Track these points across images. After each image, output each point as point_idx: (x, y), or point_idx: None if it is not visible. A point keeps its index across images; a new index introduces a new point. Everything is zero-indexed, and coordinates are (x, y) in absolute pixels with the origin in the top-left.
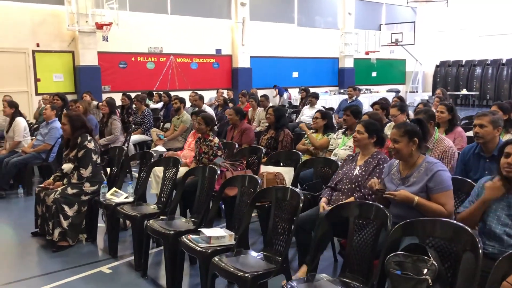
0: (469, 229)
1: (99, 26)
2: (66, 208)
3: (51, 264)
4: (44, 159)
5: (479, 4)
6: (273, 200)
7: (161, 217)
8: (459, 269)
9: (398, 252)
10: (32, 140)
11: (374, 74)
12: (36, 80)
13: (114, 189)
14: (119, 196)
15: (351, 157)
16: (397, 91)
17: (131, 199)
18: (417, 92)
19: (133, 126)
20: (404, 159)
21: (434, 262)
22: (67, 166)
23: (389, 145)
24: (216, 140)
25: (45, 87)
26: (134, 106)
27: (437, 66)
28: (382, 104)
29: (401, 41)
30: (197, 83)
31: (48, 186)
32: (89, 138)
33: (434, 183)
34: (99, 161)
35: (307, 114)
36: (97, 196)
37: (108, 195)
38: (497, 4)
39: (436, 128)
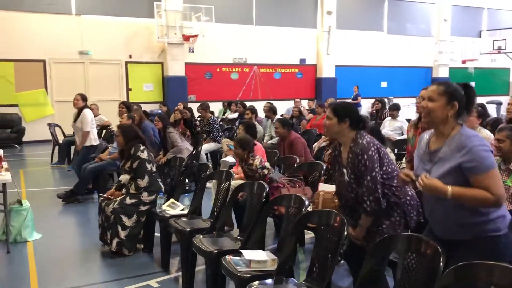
0: None
1: (186, 38)
2: (125, 218)
3: (105, 274)
4: (118, 166)
5: None
6: (317, 225)
7: (214, 233)
8: None
9: None
10: (109, 147)
11: (471, 84)
12: (128, 89)
13: (171, 200)
14: (176, 208)
15: (336, 151)
16: (499, 103)
17: (186, 211)
18: None
19: (204, 136)
20: (434, 125)
21: None
22: (123, 178)
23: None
24: (257, 161)
25: (135, 96)
26: (198, 116)
27: None
28: None
29: (505, 49)
30: (279, 93)
31: (110, 196)
32: (141, 148)
33: (471, 162)
34: (154, 169)
35: (388, 127)
36: (149, 205)
37: (164, 207)
38: None
39: None
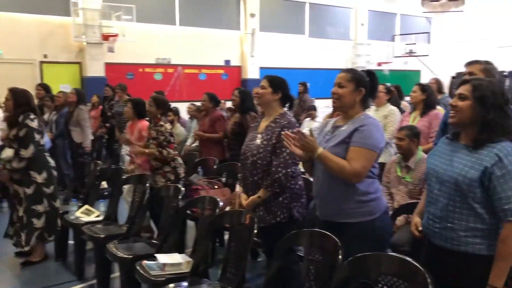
0: (416, 263)
1: (105, 38)
2: (37, 206)
3: (15, 285)
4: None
5: (497, 14)
6: (231, 225)
7: (131, 238)
8: None
9: None
10: None
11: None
12: None
13: (86, 206)
14: (90, 214)
15: (256, 123)
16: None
17: (101, 218)
18: None
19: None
20: (343, 109)
21: None
22: (6, 153)
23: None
24: (168, 126)
25: None
26: (116, 98)
27: (453, 77)
28: None
29: (415, 52)
30: None
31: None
32: (31, 116)
33: (356, 135)
34: (42, 142)
35: (307, 128)
36: (52, 185)
37: (78, 213)
38: None
39: (419, 147)
